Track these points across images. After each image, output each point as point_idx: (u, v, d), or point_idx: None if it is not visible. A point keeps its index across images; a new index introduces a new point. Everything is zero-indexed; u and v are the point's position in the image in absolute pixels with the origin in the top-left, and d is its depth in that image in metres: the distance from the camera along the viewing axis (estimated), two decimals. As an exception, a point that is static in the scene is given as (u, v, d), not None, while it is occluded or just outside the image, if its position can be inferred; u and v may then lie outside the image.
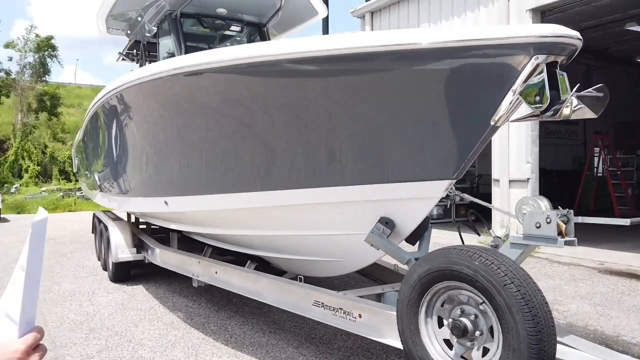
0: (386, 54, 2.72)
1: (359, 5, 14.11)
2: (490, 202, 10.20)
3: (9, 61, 30.35)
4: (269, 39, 6.90)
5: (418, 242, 3.75)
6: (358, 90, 2.98)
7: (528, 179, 9.47)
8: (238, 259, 5.30)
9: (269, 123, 3.56)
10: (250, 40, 6.98)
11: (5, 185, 24.56)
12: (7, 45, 29.99)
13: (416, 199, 3.13)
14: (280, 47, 3.13)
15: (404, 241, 3.47)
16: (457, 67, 2.58)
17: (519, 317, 2.25)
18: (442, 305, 2.68)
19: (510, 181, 9.81)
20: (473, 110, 2.65)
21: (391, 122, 2.98)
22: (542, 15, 9.51)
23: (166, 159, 4.75)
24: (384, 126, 3.02)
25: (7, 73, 29.65)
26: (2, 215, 16.15)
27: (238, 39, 7.09)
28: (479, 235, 3.79)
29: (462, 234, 3.60)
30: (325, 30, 9.68)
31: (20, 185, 24.95)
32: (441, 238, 9.24)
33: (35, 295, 0.89)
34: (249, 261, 4.96)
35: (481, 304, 2.48)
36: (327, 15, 7.98)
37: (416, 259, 3.31)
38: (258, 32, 6.79)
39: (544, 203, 2.84)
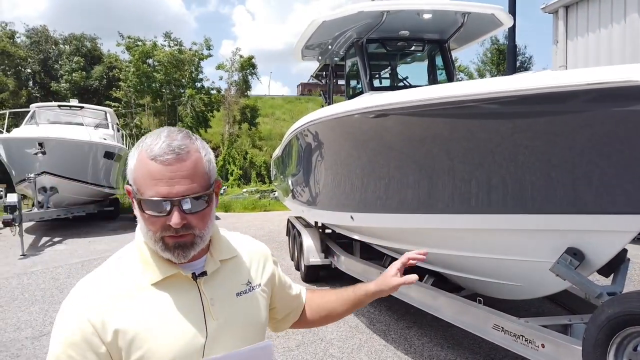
0: (586, 92, 2.63)
1: (551, 0, 13.06)
2: None
3: (220, 80, 35.83)
4: (450, 54, 6.99)
5: (613, 275, 3.49)
6: (559, 127, 2.89)
7: None
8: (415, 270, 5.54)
9: (459, 157, 3.63)
10: (430, 57, 7.17)
11: (216, 187, 28.93)
12: (218, 67, 35.30)
13: (610, 231, 2.97)
14: (468, 88, 3.24)
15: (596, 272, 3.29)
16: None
17: None
18: (634, 349, 2.52)
19: None
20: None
21: (585, 157, 2.87)
22: None
23: (354, 181, 5.23)
24: (578, 161, 2.92)
25: (218, 90, 34.86)
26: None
27: (419, 55, 7.34)
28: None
29: None
30: (512, 40, 9.25)
31: (227, 186, 29.07)
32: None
33: None
34: (427, 275, 5.15)
35: (684, 354, 2.29)
36: (514, 24, 7.66)
37: (609, 294, 3.14)
38: (439, 48, 6.93)
39: None
